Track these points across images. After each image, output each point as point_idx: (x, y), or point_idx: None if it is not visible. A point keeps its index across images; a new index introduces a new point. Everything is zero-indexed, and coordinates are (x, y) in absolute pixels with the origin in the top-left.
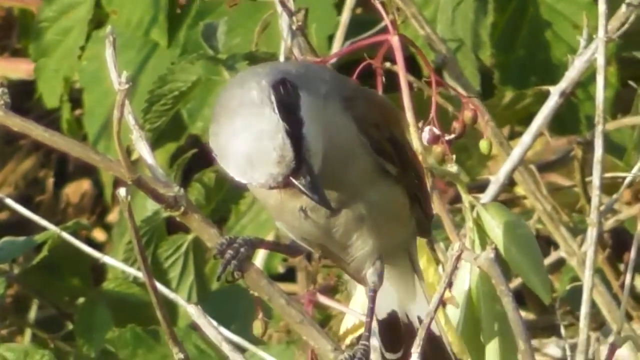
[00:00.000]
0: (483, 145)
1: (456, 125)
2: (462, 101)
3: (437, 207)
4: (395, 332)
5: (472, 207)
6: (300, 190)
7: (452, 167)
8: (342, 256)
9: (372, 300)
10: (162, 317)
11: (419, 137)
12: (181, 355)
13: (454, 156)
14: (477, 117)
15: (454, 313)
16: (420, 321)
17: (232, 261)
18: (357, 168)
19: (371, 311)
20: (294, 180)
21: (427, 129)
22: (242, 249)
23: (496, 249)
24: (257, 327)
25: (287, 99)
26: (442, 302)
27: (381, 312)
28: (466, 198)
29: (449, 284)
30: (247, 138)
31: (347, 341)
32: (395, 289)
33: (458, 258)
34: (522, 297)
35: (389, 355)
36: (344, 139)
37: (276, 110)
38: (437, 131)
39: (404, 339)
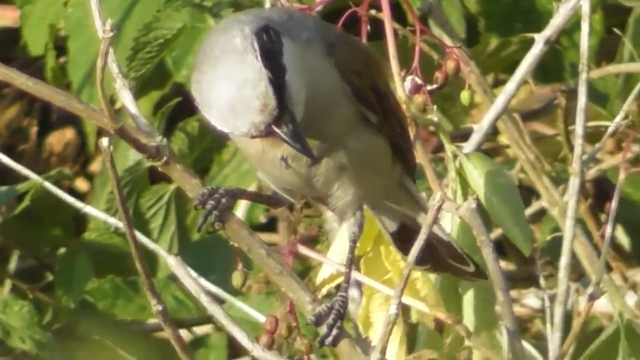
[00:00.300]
0: (464, 96)
1: (439, 75)
2: (446, 51)
3: (420, 156)
4: (409, 239)
5: (455, 156)
6: (282, 139)
7: (434, 117)
8: (324, 205)
9: (352, 250)
10: (141, 268)
11: (402, 86)
12: (159, 307)
13: (435, 106)
14: (460, 67)
15: None
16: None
17: (214, 211)
18: (339, 115)
19: (350, 261)
20: (276, 129)
21: (409, 78)
22: (223, 200)
23: (478, 199)
24: (237, 278)
25: (270, 47)
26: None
27: (391, 225)
28: (449, 147)
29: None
30: (229, 86)
31: (324, 291)
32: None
33: (439, 208)
34: (502, 247)
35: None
36: (326, 86)
37: (259, 58)
38: (419, 81)
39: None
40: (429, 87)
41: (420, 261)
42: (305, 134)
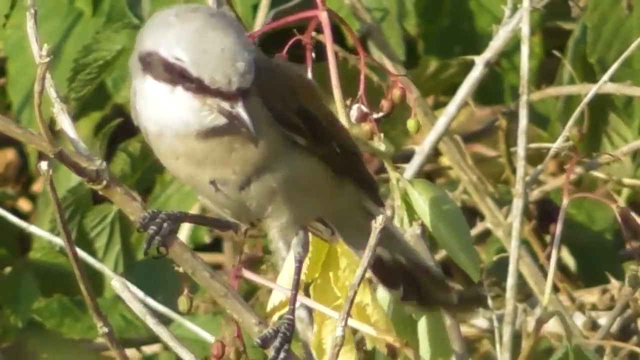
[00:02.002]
0: (411, 124)
1: (384, 103)
2: (391, 79)
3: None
4: (387, 269)
5: (399, 182)
6: (241, 112)
7: (380, 145)
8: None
9: (297, 271)
10: (85, 290)
11: (346, 114)
12: (105, 329)
13: (382, 134)
14: (406, 95)
15: (382, 293)
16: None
17: (156, 237)
18: (262, 140)
19: (296, 282)
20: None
21: (355, 106)
22: (165, 224)
23: (423, 225)
24: (183, 303)
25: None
26: (366, 279)
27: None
28: (393, 175)
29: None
30: (219, 39)
31: (275, 318)
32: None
33: (382, 230)
34: (448, 268)
35: (392, 291)
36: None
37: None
38: (365, 109)
39: (397, 274)
40: (375, 116)
41: (406, 296)
42: (227, 160)
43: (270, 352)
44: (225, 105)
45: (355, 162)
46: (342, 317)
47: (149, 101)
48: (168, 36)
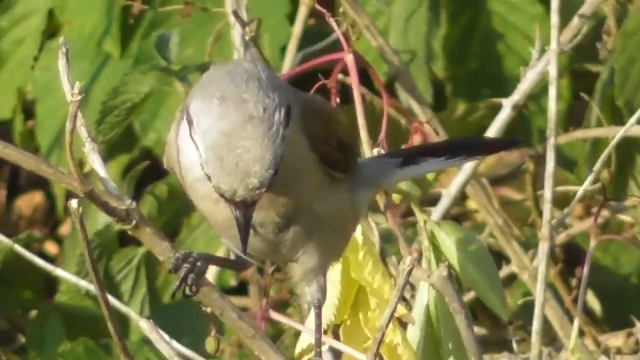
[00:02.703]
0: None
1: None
2: (412, 125)
3: (390, 221)
4: None
5: (426, 224)
6: (237, 219)
7: (403, 187)
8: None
9: (318, 316)
10: (113, 331)
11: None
12: None
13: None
14: (427, 141)
15: (412, 332)
16: None
17: (190, 275)
18: (309, 184)
19: (319, 327)
20: (242, 209)
21: (375, 150)
22: (198, 263)
23: (449, 266)
24: (210, 344)
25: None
26: (396, 319)
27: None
28: (420, 217)
29: (401, 298)
30: (242, 150)
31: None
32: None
33: (409, 272)
34: (474, 311)
35: None
36: (298, 158)
37: (279, 144)
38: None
39: None
40: None
41: None
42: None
43: None
44: (230, 206)
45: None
46: (370, 358)
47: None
48: (201, 121)
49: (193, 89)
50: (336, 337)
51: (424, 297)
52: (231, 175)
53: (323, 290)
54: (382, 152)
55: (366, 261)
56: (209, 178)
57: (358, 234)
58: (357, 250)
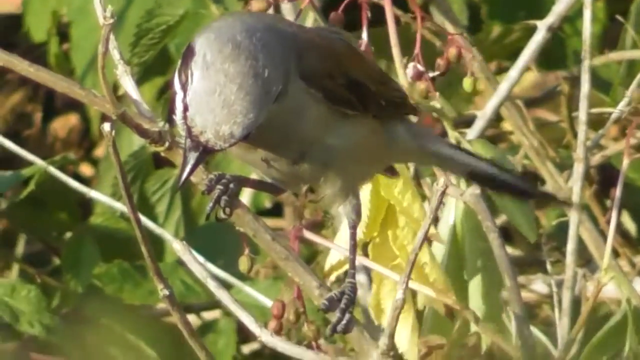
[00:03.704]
0: (467, 83)
1: (440, 62)
2: (448, 38)
3: None
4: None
5: (458, 142)
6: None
7: (436, 104)
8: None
9: (353, 237)
10: (147, 253)
11: (404, 73)
12: (166, 292)
13: (438, 93)
14: (462, 54)
15: (438, 250)
16: None
17: (223, 197)
18: (310, 120)
19: (353, 248)
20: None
21: (411, 65)
22: (231, 185)
23: None
24: (243, 263)
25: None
26: (427, 239)
27: None
28: (452, 134)
29: (435, 219)
30: (223, 102)
31: (333, 277)
32: None
33: (443, 193)
34: (508, 233)
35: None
36: (292, 101)
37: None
38: (421, 67)
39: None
40: (431, 74)
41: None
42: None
43: (336, 314)
44: (187, 142)
45: (402, 107)
46: (402, 281)
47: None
48: (207, 55)
49: (197, 34)
50: (365, 254)
51: (450, 216)
52: (211, 114)
53: (358, 211)
54: (419, 67)
55: (396, 180)
56: (185, 108)
57: None
58: None
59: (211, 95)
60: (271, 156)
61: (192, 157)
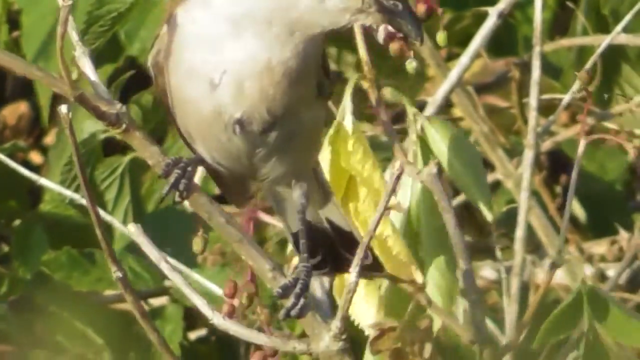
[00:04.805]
0: (441, 37)
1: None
2: None
3: (383, 123)
4: (311, 237)
5: (416, 120)
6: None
7: (411, 64)
8: (255, 178)
9: (303, 221)
10: (100, 236)
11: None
12: (119, 274)
13: (412, 52)
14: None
15: (398, 220)
16: (330, 222)
17: (182, 180)
18: (307, 86)
19: (304, 232)
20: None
21: (381, 27)
22: (189, 168)
23: (439, 165)
24: (197, 243)
25: None
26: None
27: (293, 226)
28: (410, 110)
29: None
30: None
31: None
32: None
33: (399, 176)
34: (461, 217)
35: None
36: (314, 57)
37: None
38: (391, 28)
39: (319, 242)
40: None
41: (318, 266)
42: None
43: (290, 299)
44: (389, 2)
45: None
46: (356, 263)
47: None
48: None
49: None
50: None
51: (406, 196)
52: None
53: (306, 195)
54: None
55: (356, 149)
56: None
57: (348, 122)
58: (347, 140)
59: None
60: (249, 115)
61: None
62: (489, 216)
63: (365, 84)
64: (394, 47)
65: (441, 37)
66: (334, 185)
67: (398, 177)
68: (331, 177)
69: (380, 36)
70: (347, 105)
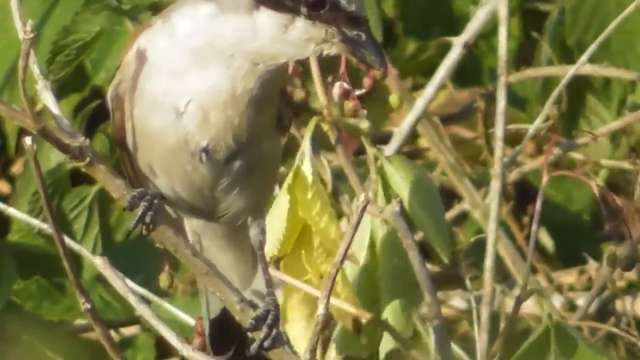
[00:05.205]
0: (393, 99)
1: (366, 80)
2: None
3: (341, 159)
4: (226, 330)
5: (376, 159)
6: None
7: (364, 123)
8: (214, 214)
9: (262, 258)
10: (68, 267)
11: (325, 92)
12: (88, 305)
13: (365, 111)
14: (387, 73)
15: (351, 271)
16: (254, 300)
17: (148, 213)
18: (268, 115)
19: (265, 268)
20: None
21: (337, 84)
22: (155, 201)
23: (401, 202)
24: (164, 280)
25: None
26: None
27: (213, 311)
28: (370, 151)
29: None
30: None
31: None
32: (234, 274)
33: (364, 209)
34: (426, 250)
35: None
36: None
37: None
38: (347, 86)
39: (235, 337)
40: (357, 92)
41: (220, 351)
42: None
43: (263, 330)
44: (352, 32)
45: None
46: (324, 296)
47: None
48: None
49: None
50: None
51: (365, 233)
52: None
53: (263, 231)
54: (345, 86)
55: (315, 201)
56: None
57: (308, 172)
58: (307, 189)
59: None
60: (215, 143)
61: (369, 35)
62: (445, 259)
63: (325, 127)
64: (348, 105)
65: (394, 98)
66: (289, 230)
67: (362, 210)
68: (288, 224)
69: (336, 94)
70: (307, 149)
